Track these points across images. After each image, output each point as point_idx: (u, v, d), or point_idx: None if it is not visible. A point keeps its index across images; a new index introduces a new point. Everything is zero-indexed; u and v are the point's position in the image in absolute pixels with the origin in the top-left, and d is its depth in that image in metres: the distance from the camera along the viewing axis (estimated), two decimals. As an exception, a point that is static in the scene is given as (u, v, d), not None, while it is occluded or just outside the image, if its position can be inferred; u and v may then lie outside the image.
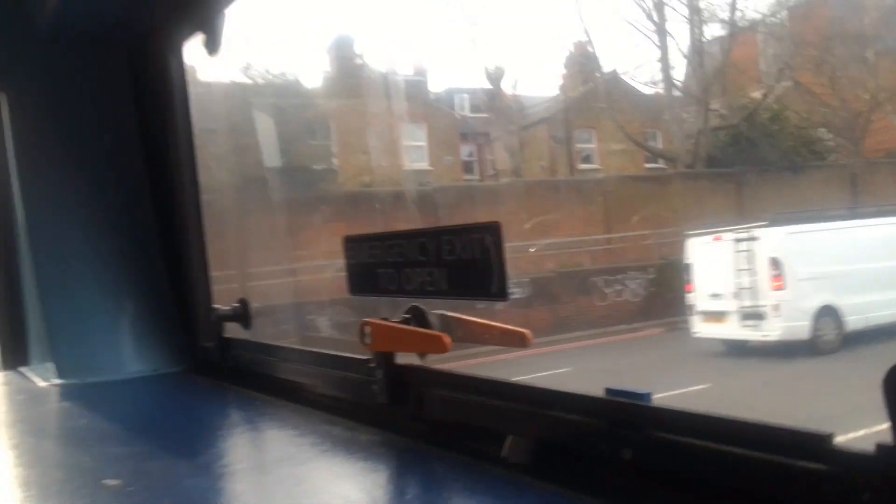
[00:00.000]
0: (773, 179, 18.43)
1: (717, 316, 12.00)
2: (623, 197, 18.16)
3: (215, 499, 1.32)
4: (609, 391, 1.10)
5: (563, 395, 1.17)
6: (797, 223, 11.73)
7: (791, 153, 19.23)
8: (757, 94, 20.15)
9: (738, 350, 11.83)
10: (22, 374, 2.84)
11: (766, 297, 11.47)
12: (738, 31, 19.89)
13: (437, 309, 1.46)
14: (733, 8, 19.86)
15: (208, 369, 2.40)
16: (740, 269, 11.87)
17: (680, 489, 1.03)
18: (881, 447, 0.80)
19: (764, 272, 11.56)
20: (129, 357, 2.57)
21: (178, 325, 2.58)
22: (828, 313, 11.00)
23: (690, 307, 12.54)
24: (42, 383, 2.54)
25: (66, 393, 2.39)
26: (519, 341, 1.35)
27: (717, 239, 12.35)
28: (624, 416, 1.07)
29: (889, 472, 0.80)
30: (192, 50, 2.44)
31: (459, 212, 15.37)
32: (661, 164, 22.70)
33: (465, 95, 26.60)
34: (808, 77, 18.52)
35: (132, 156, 2.64)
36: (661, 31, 21.15)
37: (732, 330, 11.81)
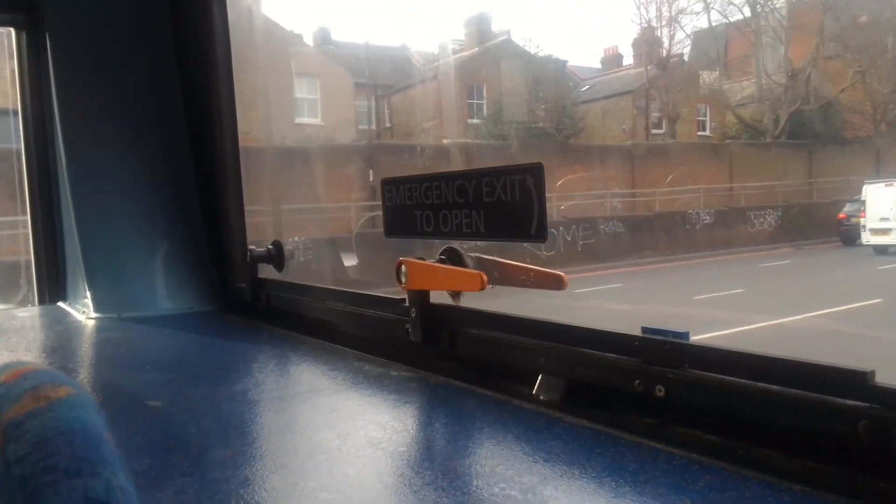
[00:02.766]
0: (829, 149, 27.01)
1: (884, 231, 19.40)
2: (740, 157, 26.32)
3: (253, 421, 1.36)
4: (645, 330, 1.11)
5: (597, 333, 1.18)
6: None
7: (840, 130, 27.71)
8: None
9: (884, 251, 18.93)
10: (60, 308, 2.91)
11: (922, 219, 19.62)
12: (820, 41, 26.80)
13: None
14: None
15: (241, 309, 2.45)
16: (906, 203, 20.01)
17: (715, 427, 1.04)
18: (922, 384, 0.83)
19: (923, 204, 19.76)
20: (164, 295, 2.63)
21: (212, 264, 2.62)
22: (956, 231, 19.34)
23: (863, 226, 19.78)
24: (79, 317, 2.61)
25: (104, 326, 2.45)
26: (555, 283, 1.36)
27: (888, 185, 19.85)
28: (662, 354, 1.07)
29: (929, 408, 0.81)
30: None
31: (652, 166, 24.50)
32: (708, 133, 29.95)
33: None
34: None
35: (172, 96, 2.66)
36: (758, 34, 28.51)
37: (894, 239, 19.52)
